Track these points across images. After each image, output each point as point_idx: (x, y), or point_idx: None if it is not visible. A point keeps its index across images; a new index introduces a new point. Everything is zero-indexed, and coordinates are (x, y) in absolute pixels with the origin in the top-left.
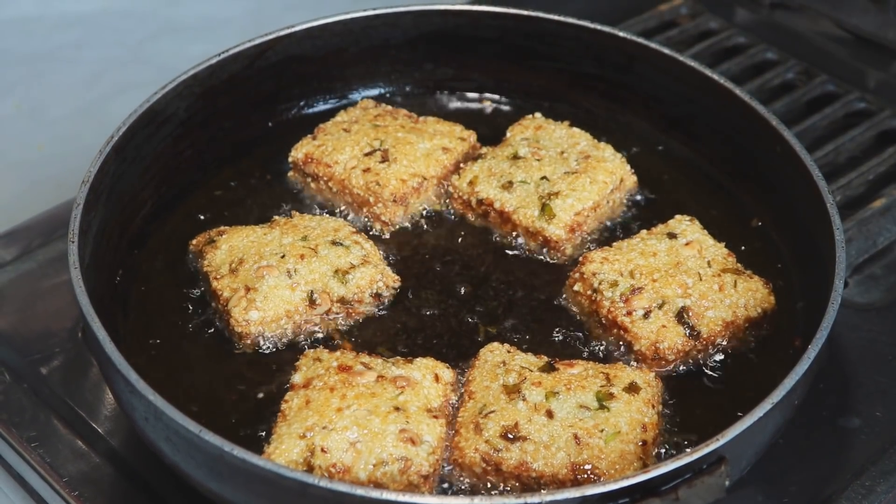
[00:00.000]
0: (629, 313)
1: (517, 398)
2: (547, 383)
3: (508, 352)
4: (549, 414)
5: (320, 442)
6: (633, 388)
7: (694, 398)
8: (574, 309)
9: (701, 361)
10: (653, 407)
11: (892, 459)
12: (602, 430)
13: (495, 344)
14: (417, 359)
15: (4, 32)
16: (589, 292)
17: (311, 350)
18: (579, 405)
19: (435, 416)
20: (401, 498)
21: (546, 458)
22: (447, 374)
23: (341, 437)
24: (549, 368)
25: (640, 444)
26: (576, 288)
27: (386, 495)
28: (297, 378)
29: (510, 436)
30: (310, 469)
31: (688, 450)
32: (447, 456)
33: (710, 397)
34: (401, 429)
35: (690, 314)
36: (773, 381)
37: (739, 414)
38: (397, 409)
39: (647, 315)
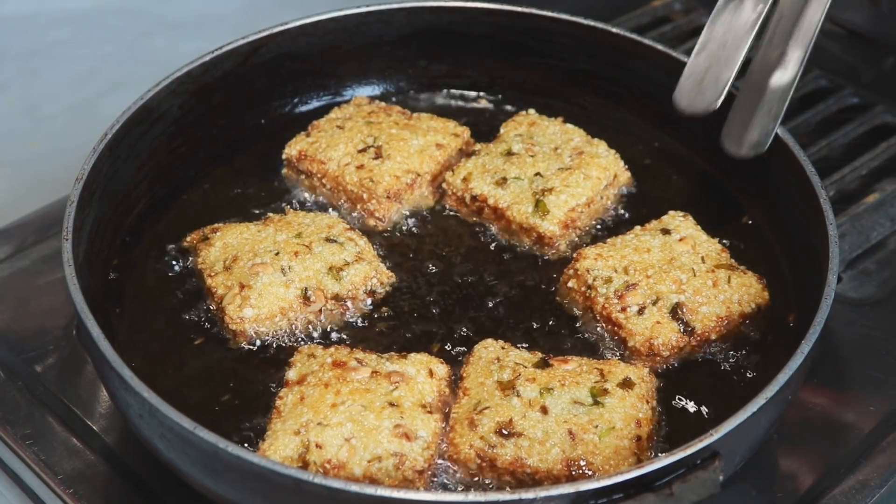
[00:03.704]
0: (623, 309)
1: (511, 394)
2: (541, 379)
3: (503, 348)
4: (544, 410)
5: (315, 438)
6: (627, 384)
7: (688, 394)
8: (568, 305)
9: (695, 357)
10: (647, 402)
11: (885, 454)
12: (596, 426)
13: (489, 340)
14: (412, 354)
15: None
16: (583, 289)
17: (306, 346)
18: (573, 401)
19: (429, 412)
20: (395, 494)
21: (541, 453)
22: (441, 369)
23: (336, 432)
24: (543, 364)
25: (635, 439)
26: (570, 284)
27: (380, 491)
28: (291, 374)
29: (504, 432)
30: (305, 465)
31: (682, 445)
32: (442, 451)
33: (704, 393)
34: (395, 424)
35: (685, 310)
36: (767, 376)
37: (733, 409)
38: (392, 404)
39: (641, 311)
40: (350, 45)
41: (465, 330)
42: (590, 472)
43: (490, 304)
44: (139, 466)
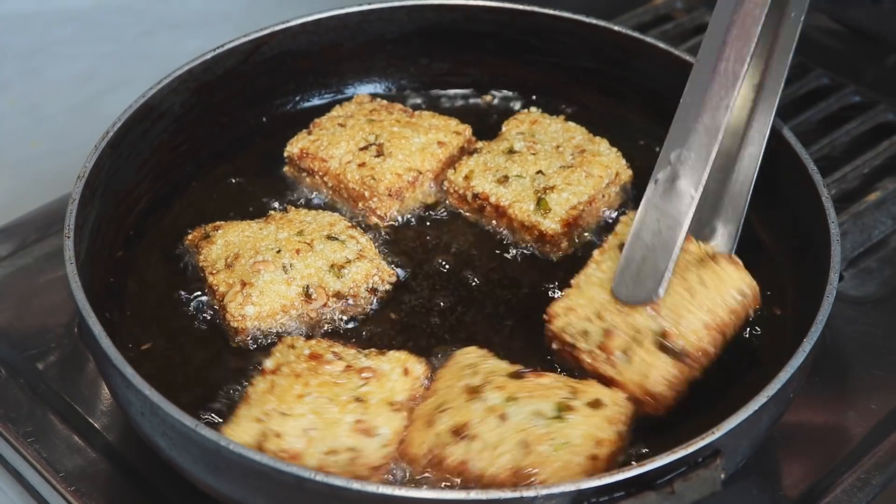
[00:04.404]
0: (611, 361)
1: (476, 399)
2: (510, 388)
3: (482, 356)
4: (503, 417)
5: (275, 426)
6: (595, 404)
7: (689, 391)
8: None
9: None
10: (613, 425)
11: (887, 452)
12: (553, 439)
13: (472, 347)
14: (390, 352)
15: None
16: (567, 349)
17: (288, 336)
18: (535, 412)
19: (396, 410)
20: (396, 492)
21: (489, 459)
22: (418, 368)
23: (296, 423)
24: (517, 376)
25: (591, 458)
26: (554, 346)
27: (381, 489)
28: (268, 363)
29: (459, 433)
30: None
31: (683, 443)
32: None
33: (705, 392)
34: (357, 419)
35: (669, 336)
36: (768, 374)
37: (734, 407)
38: (358, 399)
39: (626, 353)
40: (352, 43)
41: (466, 329)
42: (536, 483)
43: (491, 304)
44: (141, 464)
